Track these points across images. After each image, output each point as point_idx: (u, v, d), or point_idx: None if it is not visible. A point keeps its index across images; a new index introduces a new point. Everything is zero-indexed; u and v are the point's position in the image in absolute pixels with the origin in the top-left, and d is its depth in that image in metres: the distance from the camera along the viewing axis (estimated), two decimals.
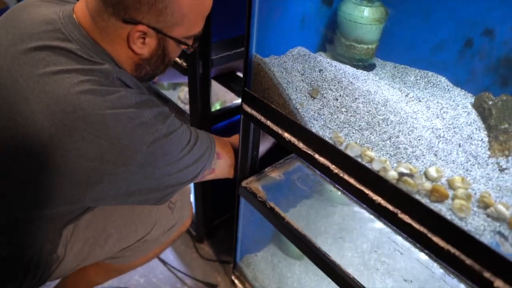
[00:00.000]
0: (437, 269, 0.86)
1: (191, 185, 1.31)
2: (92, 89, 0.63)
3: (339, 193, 1.05)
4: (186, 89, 1.75)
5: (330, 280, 0.81)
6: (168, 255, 1.39)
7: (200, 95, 1.05)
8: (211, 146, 0.82)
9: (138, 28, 0.66)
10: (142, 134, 0.66)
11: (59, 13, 0.69)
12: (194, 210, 1.38)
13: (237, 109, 1.21)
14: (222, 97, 1.72)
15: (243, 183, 0.98)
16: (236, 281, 1.23)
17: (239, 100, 1.34)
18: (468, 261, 0.51)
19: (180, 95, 1.77)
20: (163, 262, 1.36)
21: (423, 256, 0.89)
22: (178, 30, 0.70)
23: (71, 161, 0.63)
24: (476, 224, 0.55)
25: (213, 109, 1.14)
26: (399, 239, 0.94)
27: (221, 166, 0.88)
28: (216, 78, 1.29)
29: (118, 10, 0.64)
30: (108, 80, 0.67)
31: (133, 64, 0.73)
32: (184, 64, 1.02)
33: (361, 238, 0.95)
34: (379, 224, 0.98)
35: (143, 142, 0.66)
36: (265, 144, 1.00)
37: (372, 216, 1.00)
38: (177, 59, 1.04)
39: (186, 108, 1.31)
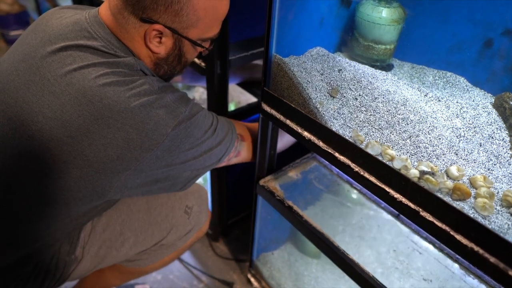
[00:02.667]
0: (457, 269, 0.86)
1: (208, 187, 1.33)
2: (117, 79, 0.66)
3: (356, 192, 1.05)
4: (201, 89, 1.77)
5: (347, 278, 0.81)
6: (185, 253, 1.41)
7: (217, 95, 1.06)
8: (232, 128, 0.84)
9: (155, 27, 0.69)
10: (167, 117, 0.68)
11: (85, 14, 0.72)
12: (210, 210, 1.39)
13: (253, 109, 1.23)
14: (237, 98, 1.74)
15: (261, 182, 0.99)
16: (252, 279, 1.24)
17: (254, 100, 1.36)
18: (492, 259, 0.52)
19: (195, 96, 1.79)
20: (180, 259, 1.38)
21: (442, 256, 0.89)
22: (193, 32, 0.73)
23: (99, 149, 0.65)
24: (499, 223, 0.56)
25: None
26: (417, 238, 0.94)
27: (245, 149, 0.90)
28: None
29: (137, 9, 0.67)
30: (132, 71, 0.69)
31: (151, 63, 0.75)
32: (203, 64, 1.04)
33: (379, 237, 0.95)
34: (397, 223, 0.98)
35: (168, 125, 0.68)
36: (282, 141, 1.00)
37: (390, 215, 1.00)
38: (196, 60, 1.06)
39: None
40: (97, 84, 0.64)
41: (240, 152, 0.87)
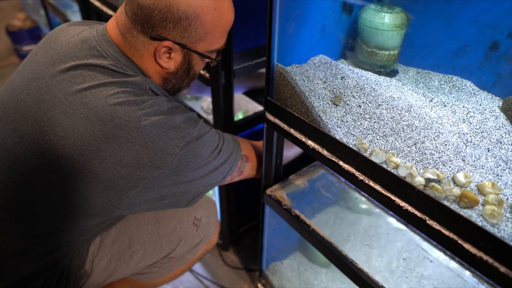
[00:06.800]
0: (470, 278, 0.84)
1: (217, 196, 1.33)
2: (127, 99, 0.67)
3: (364, 199, 1.04)
4: (208, 99, 1.78)
5: None
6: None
7: (223, 105, 1.07)
8: (237, 148, 0.86)
9: (164, 44, 0.70)
10: (176, 137, 0.69)
11: (93, 32, 0.73)
12: (219, 219, 1.39)
13: (260, 118, 1.23)
14: (245, 106, 1.74)
15: (268, 191, 0.98)
16: None
17: (261, 109, 1.36)
18: (503, 269, 0.50)
19: (203, 105, 1.80)
20: (190, 270, 1.38)
21: (453, 264, 0.87)
22: (202, 45, 0.73)
23: (109, 167, 0.66)
24: (509, 231, 0.54)
25: (236, 119, 1.15)
26: (427, 246, 0.92)
27: (248, 169, 0.92)
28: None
29: (146, 28, 0.68)
30: (142, 90, 0.70)
31: (160, 78, 0.76)
32: (207, 75, 1.05)
33: (389, 246, 0.93)
34: (406, 231, 0.96)
35: (176, 145, 0.69)
36: (290, 152, 1.00)
37: (399, 223, 0.98)
38: (201, 71, 1.07)
39: (209, 118, 1.34)
40: (108, 104, 0.65)
41: (242, 172, 0.90)
